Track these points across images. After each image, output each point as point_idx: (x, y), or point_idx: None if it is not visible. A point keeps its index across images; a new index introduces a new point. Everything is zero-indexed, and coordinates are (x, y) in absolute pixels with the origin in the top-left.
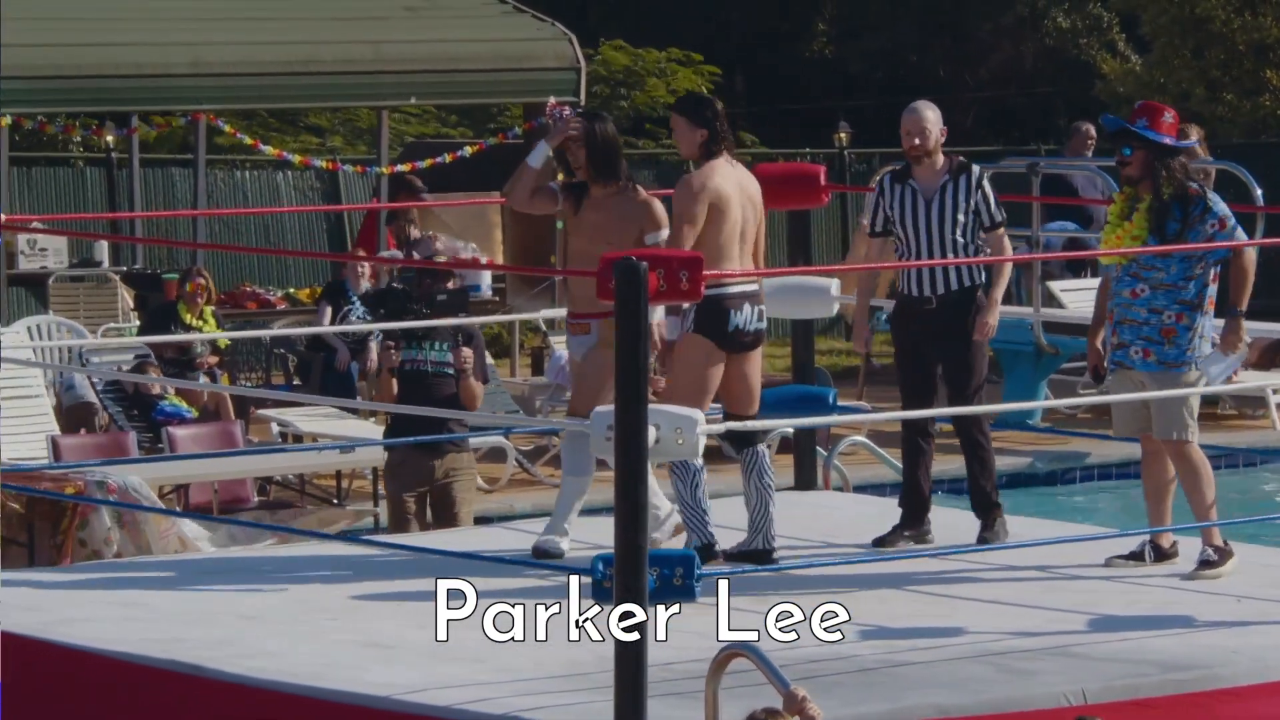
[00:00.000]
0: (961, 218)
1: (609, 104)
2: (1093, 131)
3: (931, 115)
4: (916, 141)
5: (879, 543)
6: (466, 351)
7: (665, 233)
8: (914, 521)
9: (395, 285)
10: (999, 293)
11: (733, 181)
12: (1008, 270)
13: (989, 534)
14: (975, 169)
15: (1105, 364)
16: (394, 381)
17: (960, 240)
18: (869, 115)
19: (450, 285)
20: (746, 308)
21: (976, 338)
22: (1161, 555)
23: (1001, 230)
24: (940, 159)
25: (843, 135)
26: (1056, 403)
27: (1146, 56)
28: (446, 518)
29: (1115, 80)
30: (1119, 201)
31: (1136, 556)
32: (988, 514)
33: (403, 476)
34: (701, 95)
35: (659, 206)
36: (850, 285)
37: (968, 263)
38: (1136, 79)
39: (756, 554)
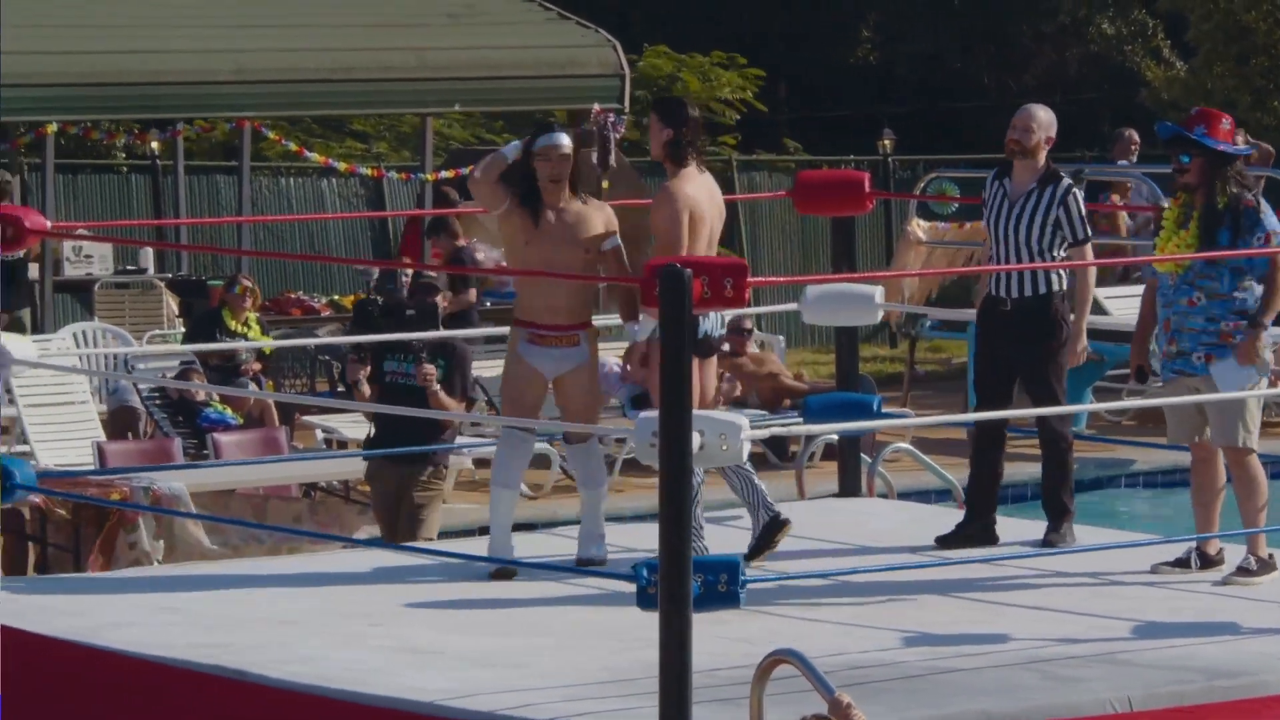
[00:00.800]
0: (1038, 228)
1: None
2: (1135, 138)
3: (1043, 116)
4: (1016, 137)
5: (942, 541)
6: (428, 368)
7: (618, 237)
8: (979, 521)
9: (373, 298)
10: (1084, 320)
11: (705, 191)
12: (1090, 294)
13: (1055, 536)
14: (1064, 183)
15: (1154, 368)
16: (365, 393)
17: (1035, 248)
18: (913, 122)
19: (440, 300)
20: (712, 314)
21: (1070, 365)
22: (1208, 562)
23: (1086, 248)
24: (1040, 164)
25: (887, 142)
26: (1101, 406)
27: (1191, 62)
28: (408, 530)
29: (1160, 87)
30: (1174, 208)
31: (1182, 563)
32: (1058, 519)
33: (377, 483)
34: (679, 99)
35: (611, 210)
36: (894, 293)
37: (1029, 268)
38: (1182, 85)
39: (769, 528)
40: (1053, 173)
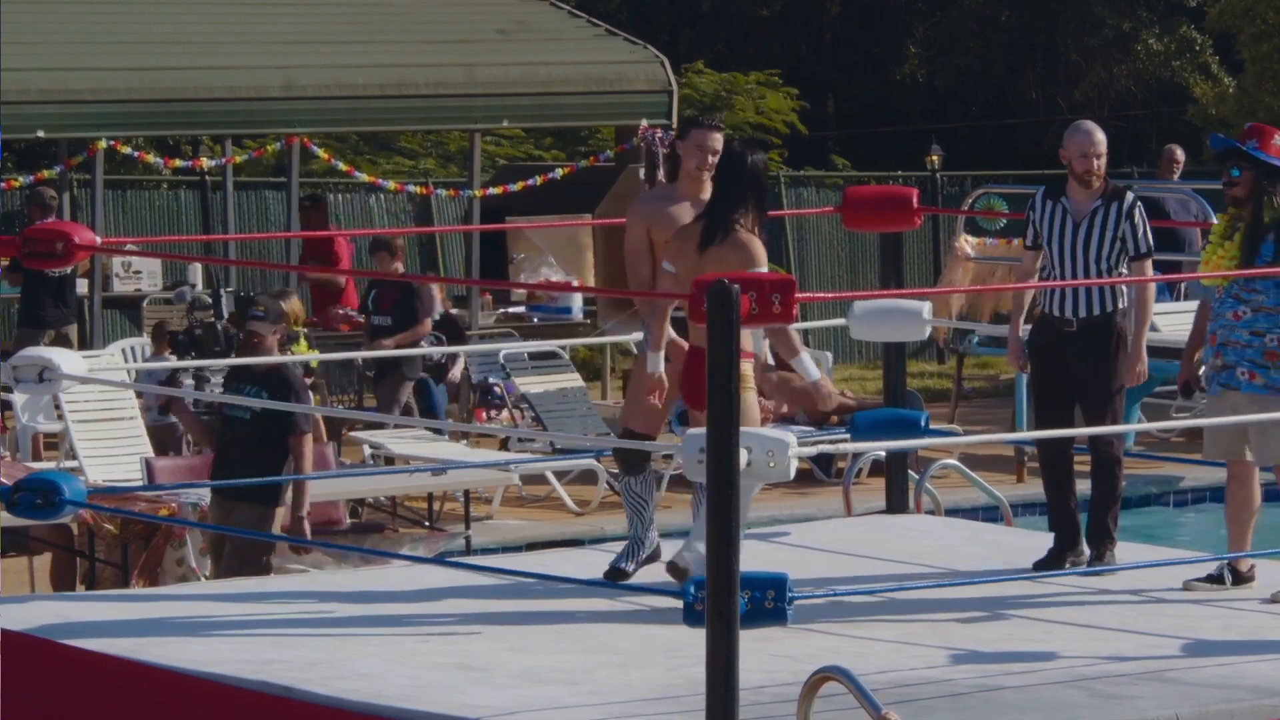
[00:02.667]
0: (1107, 245)
1: None
2: (1179, 155)
3: (1101, 137)
4: (1095, 164)
5: (1039, 566)
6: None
7: None
8: (1070, 544)
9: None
10: (1144, 336)
11: None
12: (1150, 310)
13: (1099, 566)
14: (1129, 196)
15: (1201, 383)
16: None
17: (1105, 265)
18: (961, 137)
19: (270, 335)
20: None
21: (1129, 385)
22: (1239, 579)
23: (1147, 262)
24: (1097, 182)
25: (935, 158)
26: (1150, 426)
27: (1240, 79)
28: (237, 570)
29: (1208, 103)
30: (1223, 221)
31: (1215, 579)
32: (1100, 545)
33: (214, 514)
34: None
35: None
36: (942, 309)
37: (1093, 283)
38: (1230, 101)
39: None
40: (1115, 188)
